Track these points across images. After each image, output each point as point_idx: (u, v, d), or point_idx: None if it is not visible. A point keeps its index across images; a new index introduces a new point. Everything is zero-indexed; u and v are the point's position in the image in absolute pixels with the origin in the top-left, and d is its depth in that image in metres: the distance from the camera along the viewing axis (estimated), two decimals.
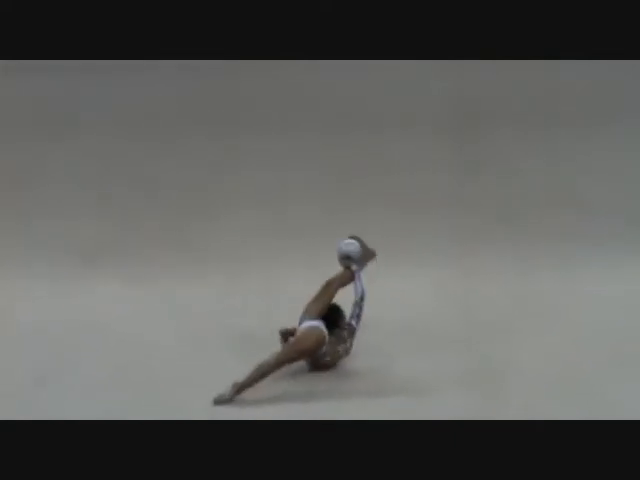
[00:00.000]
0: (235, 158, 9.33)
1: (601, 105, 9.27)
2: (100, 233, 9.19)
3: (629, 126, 9.26)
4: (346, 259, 7.44)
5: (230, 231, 9.20)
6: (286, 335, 7.35)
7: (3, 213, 9.26)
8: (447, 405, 6.57)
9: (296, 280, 8.47)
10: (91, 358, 7.49)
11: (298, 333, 7.14)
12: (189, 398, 6.70)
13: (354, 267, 7.40)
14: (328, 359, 7.20)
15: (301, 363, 7.19)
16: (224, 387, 6.69)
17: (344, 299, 7.39)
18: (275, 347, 7.19)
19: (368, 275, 7.45)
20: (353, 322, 7.27)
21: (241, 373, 6.75)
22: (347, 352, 7.31)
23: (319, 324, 7.16)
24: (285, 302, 8.14)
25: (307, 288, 7.44)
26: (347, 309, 7.34)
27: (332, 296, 7.36)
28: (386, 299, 8.16)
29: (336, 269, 7.45)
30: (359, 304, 7.29)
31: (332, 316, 7.31)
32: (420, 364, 7.26)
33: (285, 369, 7.01)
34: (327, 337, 7.13)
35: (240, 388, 6.71)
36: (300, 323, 7.21)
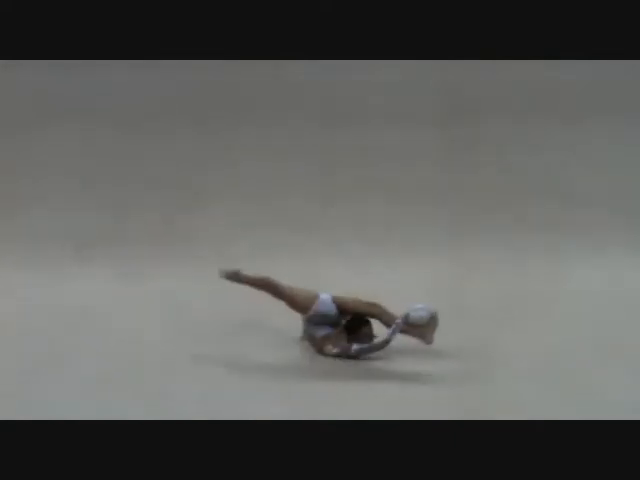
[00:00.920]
0: (228, 153, 9.40)
1: (586, 102, 9.36)
2: (92, 226, 9.21)
3: (614, 122, 9.35)
4: (407, 316, 7.25)
5: (223, 224, 9.22)
6: None
7: None
8: (447, 405, 6.58)
9: (291, 275, 8.43)
10: (80, 352, 7.44)
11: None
12: (185, 396, 6.68)
13: (399, 321, 7.25)
14: (328, 345, 7.29)
15: (300, 363, 7.21)
16: (221, 385, 6.65)
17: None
18: (271, 344, 7.26)
19: (361, 267, 7.44)
20: (358, 347, 7.27)
21: (236, 367, 6.79)
22: (335, 354, 7.31)
23: (325, 297, 7.29)
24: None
25: (301, 282, 7.48)
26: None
27: (365, 311, 7.39)
28: (380, 292, 8.13)
29: (334, 263, 7.46)
30: (374, 345, 7.28)
31: (358, 322, 7.38)
32: (416, 361, 7.29)
33: (285, 369, 7.04)
34: (318, 304, 7.26)
35: (240, 277, 7.07)
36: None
